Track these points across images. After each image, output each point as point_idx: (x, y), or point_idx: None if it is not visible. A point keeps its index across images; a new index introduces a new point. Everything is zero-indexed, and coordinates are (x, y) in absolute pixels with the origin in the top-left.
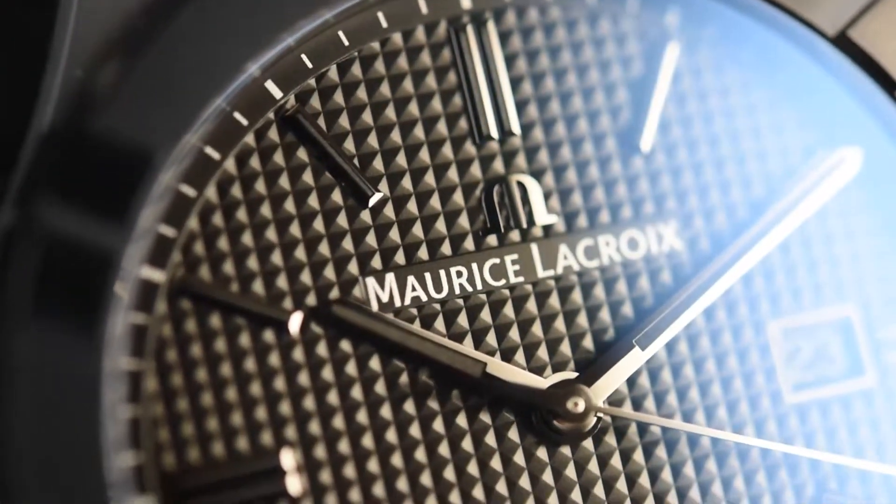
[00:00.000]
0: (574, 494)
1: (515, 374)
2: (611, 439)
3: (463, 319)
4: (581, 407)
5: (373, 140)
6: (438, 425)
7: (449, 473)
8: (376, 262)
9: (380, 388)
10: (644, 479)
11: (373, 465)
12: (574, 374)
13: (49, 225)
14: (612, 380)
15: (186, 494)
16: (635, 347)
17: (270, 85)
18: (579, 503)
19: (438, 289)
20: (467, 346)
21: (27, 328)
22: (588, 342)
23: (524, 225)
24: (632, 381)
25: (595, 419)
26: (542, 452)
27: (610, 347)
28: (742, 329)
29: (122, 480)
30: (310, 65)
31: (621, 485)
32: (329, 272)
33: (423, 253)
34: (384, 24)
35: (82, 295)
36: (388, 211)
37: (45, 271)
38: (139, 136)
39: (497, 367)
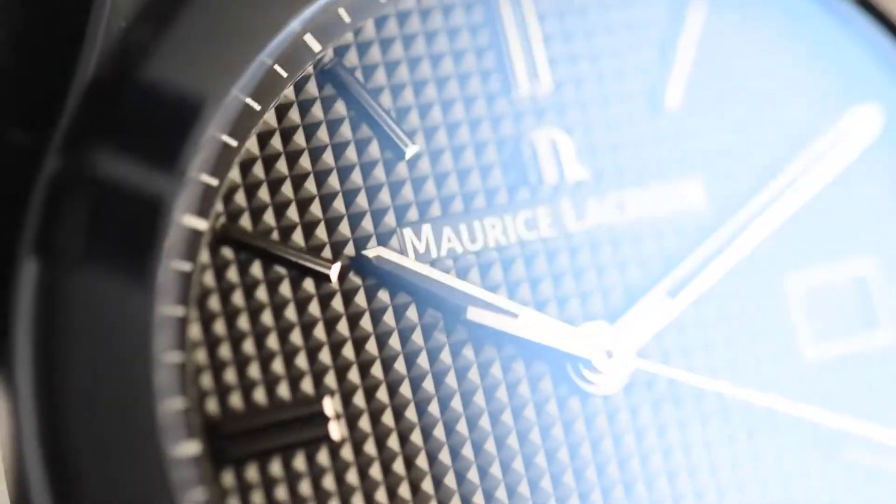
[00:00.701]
0: (606, 444)
1: (548, 324)
2: (643, 391)
3: (497, 271)
4: (613, 357)
5: (409, 95)
6: (474, 375)
7: (484, 422)
8: (413, 214)
9: (417, 337)
10: (674, 432)
11: (410, 414)
12: (606, 325)
13: (99, 171)
14: (644, 331)
15: (229, 438)
16: (665, 297)
17: (309, 38)
18: (611, 453)
19: (473, 240)
20: (501, 297)
21: (79, 273)
22: (619, 295)
23: (556, 180)
24: (661, 336)
25: (627, 370)
26: (574, 402)
27: (640, 299)
28: (762, 283)
29: (171, 425)
30: (347, 19)
31: (652, 436)
32: (367, 223)
33: (457, 205)
34: None
35: (133, 241)
36: (424, 164)
37: (95, 218)
38: (190, 86)
39: (531, 317)
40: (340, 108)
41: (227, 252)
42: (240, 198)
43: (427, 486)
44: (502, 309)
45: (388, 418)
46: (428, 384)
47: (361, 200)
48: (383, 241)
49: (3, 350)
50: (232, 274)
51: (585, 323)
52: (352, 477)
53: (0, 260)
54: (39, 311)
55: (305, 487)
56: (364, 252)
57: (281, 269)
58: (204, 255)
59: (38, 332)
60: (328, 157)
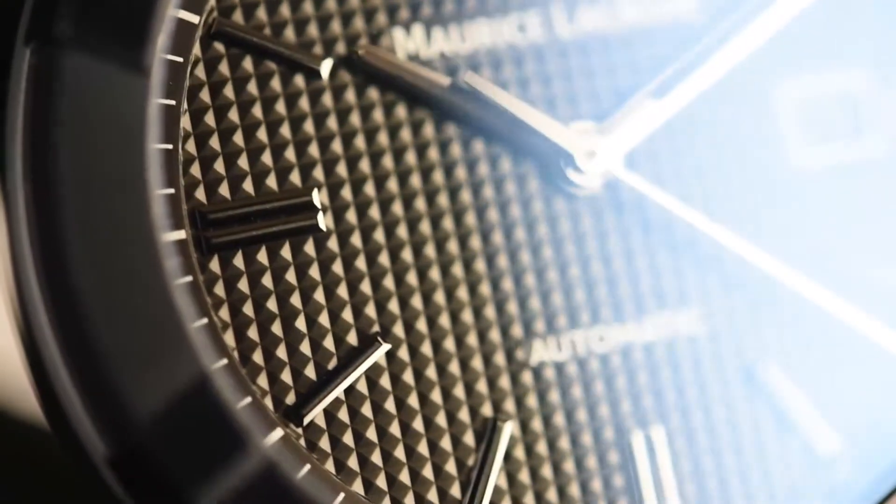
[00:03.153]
0: (590, 244)
1: (538, 119)
2: (628, 193)
3: (486, 72)
4: (596, 157)
5: None
6: (461, 172)
7: (469, 218)
8: (404, 14)
9: (405, 134)
10: (659, 232)
11: (397, 208)
12: (593, 126)
13: None
14: (630, 133)
15: (216, 225)
16: (652, 98)
17: None
18: (594, 254)
19: (463, 41)
20: None
21: (72, 60)
22: (608, 98)
23: None
24: (651, 145)
25: (611, 171)
26: (559, 203)
27: (628, 100)
28: (752, 90)
29: (161, 213)
30: None
31: (637, 236)
32: (358, 21)
33: (449, 6)
34: None
35: (127, 31)
36: None
37: (90, 4)
38: None
39: (519, 111)
40: None
41: (219, 46)
42: None
43: (411, 278)
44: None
45: (374, 212)
46: (415, 180)
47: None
48: (374, 39)
49: None
50: (223, 68)
51: (573, 122)
52: (337, 268)
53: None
54: (32, 98)
55: (291, 276)
56: (354, 49)
57: (272, 64)
58: (196, 49)
59: (30, 119)
60: None
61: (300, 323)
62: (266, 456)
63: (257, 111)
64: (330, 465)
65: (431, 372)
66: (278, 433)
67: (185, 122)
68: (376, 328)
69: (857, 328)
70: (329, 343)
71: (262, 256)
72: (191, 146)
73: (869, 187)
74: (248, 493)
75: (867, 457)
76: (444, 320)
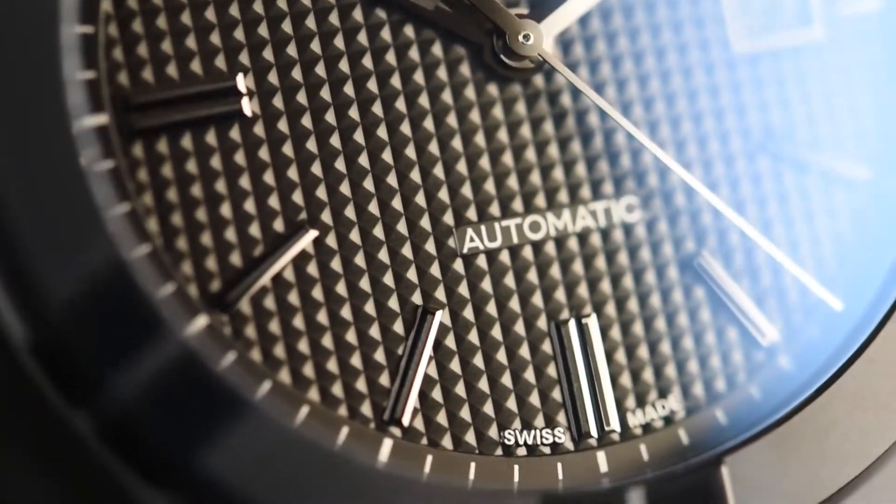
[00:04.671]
0: (523, 129)
1: None
2: (561, 80)
3: None
4: (533, 37)
5: None
6: (391, 57)
7: (400, 104)
8: None
9: (333, 18)
10: (594, 118)
11: (325, 94)
12: (525, 10)
13: None
14: (563, 16)
15: (139, 110)
16: None
17: None
18: (528, 137)
19: None
20: None
21: None
22: None
23: None
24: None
25: (545, 54)
26: (492, 88)
27: None
28: None
29: (78, 98)
30: None
31: (570, 121)
32: None
33: None
34: None
35: None
36: None
37: None
38: None
39: None
40: None
41: None
42: None
43: (339, 164)
44: None
45: (301, 97)
46: (344, 65)
47: None
48: None
49: None
50: None
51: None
52: (264, 154)
53: None
54: None
55: (216, 162)
56: None
57: None
58: None
59: None
60: None
61: (225, 209)
62: (186, 344)
63: None
64: (256, 355)
65: (360, 260)
66: (203, 321)
67: (107, 5)
68: (304, 215)
69: (793, 218)
70: (255, 230)
71: (187, 142)
72: (113, 29)
73: (809, 72)
74: (167, 380)
75: (804, 349)
76: (374, 207)
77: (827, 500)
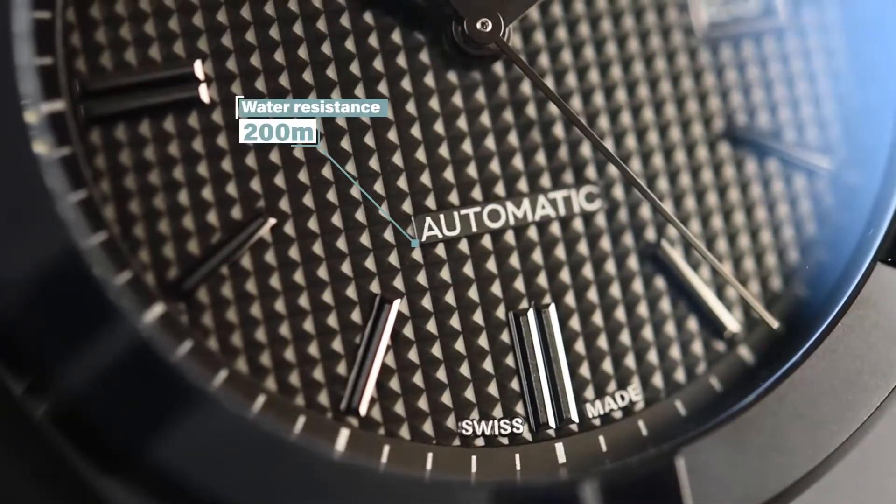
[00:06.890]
0: (483, 117)
1: None
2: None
3: None
4: (488, 27)
5: None
6: (350, 44)
7: (359, 91)
8: None
9: (293, 5)
10: (554, 106)
11: (283, 81)
12: None
13: None
14: (522, 3)
15: (96, 96)
16: None
17: None
18: (488, 125)
19: None
20: None
21: None
22: None
23: None
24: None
25: (503, 39)
26: (451, 75)
27: None
28: None
29: (34, 84)
30: None
31: (531, 110)
32: None
33: None
34: None
35: None
36: None
37: None
38: None
39: None
40: None
41: None
42: None
43: (298, 152)
44: None
45: (260, 84)
46: (303, 52)
47: None
48: None
49: None
50: None
51: None
52: (221, 140)
53: None
54: None
55: (174, 149)
56: None
57: None
58: None
59: None
60: None
61: (183, 196)
62: (142, 332)
63: None
64: (213, 343)
65: (318, 248)
66: (159, 308)
67: None
68: (262, 203)
69: (754, 205)
70: (213, 217)
71: (145, 128)
72: (71, 15)
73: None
74: (123, 369)
75: (763, 340)
76: (332, 195)
77: (784, 492)
